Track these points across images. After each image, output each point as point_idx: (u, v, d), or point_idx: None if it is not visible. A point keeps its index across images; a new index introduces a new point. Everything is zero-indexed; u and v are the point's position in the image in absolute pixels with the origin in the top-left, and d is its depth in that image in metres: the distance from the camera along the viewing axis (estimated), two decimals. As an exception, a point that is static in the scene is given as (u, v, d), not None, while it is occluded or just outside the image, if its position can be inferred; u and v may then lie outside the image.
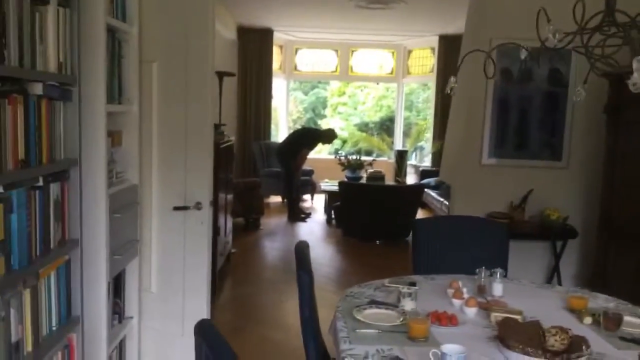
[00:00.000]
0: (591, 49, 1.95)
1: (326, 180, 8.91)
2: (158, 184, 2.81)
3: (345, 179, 8.35)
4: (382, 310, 2.27)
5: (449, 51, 9.49)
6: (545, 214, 4.59)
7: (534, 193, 4.70)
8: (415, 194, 7.13)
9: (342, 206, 7.21)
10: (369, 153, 11.15)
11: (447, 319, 2.16)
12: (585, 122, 4.70)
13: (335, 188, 7.79)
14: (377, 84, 13.14)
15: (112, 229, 2.41)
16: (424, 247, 2.93)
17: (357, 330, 2.06)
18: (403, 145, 10.80)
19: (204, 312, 2.89)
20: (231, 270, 5.58)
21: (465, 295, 2.35)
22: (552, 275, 4.80)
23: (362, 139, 11.74)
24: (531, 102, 4.72)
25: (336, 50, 10.81)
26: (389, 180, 9.45)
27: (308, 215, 8.49)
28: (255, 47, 9.58)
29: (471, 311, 2.28)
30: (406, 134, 11.20)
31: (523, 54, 2.27)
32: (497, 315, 2.20)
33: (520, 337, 1.94)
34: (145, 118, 2.78)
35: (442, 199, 8.11)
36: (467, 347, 1.92)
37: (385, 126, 12.65)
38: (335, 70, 10.95)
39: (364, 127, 13.38)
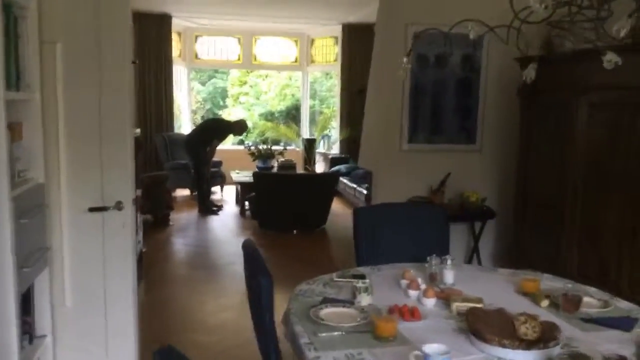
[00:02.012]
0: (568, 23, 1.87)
1: (236, 170, 8.61)
2: (69, 182, 2.44)
3: (257, 169, 8.11)
4: (339, 309, 2.10)
5: (353, 40, 9.51)
6: (465, 196, 4.67)
7: (452, 176, 4.76)
8: (330, 182, 7.05)
9: (257, 197, 6.97)
10: (276, 142, 10.94)
11: (409, 313, 2.04)
12: (497, 106, 4.83)
13: (248, 179, 7.53)
14: (279, 72, 12.94)
15: (18, 237, 2.04)
16: (366, 237, 2.80)
17: (319, 334, 1.88)
18: (310, 134, 10.72)
19: (130, 326, 2.58)
20: (144, 271, 5.15)
21: (422, 286, 2.25)
22: (472, 255, 4.91)
23: (269, 128, 11.51)
24: (446, 87, 4.77)
25: (238, 38, 10.45)
26: (299, 169, 9.33)
27: (220, 207, 8.16)
28: (152, 33, 9.00)
29: (430, 302, 2.18)
30: (312, 123, 11.12)
31: (473, 34, 2.18)
32: (458, 305, 2.11)
33: (491, 328, 1.86)
34: (50, 108, 2.39)
35: (354, 185, 8.12)
36: (436, 342, 1.81)
37: (291, 115, 12.50)
38: (238, 59, 10.59)
39: (269, 116, 13.14)
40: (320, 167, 10.00)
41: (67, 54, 2.39)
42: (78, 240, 2.46)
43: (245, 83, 14.49)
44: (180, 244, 6.42)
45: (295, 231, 6.82)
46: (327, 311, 2.07)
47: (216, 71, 13.75)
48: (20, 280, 2.08)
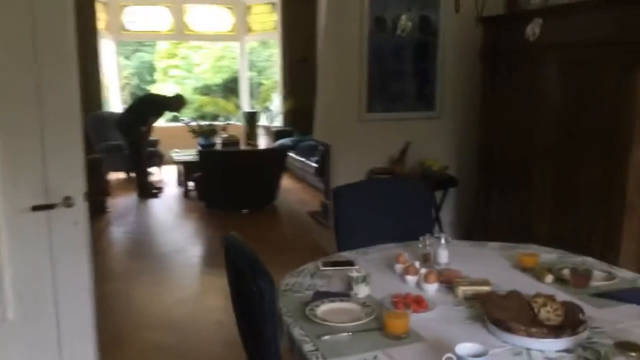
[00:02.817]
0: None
1: (175, 150, 8.13)
2: (4, 177, 2.04)
3: (199, 147, 7.68)
4: (337, 304, 1.87)
5: (292, 5, 9.12)
6: (426, 165, 4.54)
7: (413, 145, 4.62)
8: (279, 157, 6.76)
9: (203, 177, 6.59)
10: (214, 118, 10.46)
11: (415, 303, 1.84)
12: (456, 70, 4.68)
13: (192, 158, 7.13)
14: (213, 43, 12.34)
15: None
16: (347, 218, 2.58)
17: (323, 338, 1.65)
18: (251, 107, 10.31)
19: (88, 337, 2.25)
20: (87, 266, 4.73)
21: (422, 270, 2.05)
22: (433, 225, 4.80)
23: (206, 103, 10.97)
24: (404, 51, 4.56)
25: (169, 7, 9.81)
26: (242, 145, 8.96)
27: (160, 190, 7.70)
28: (75, 4, 8.23)
29: (432, 288, 2.00)
30: (252, 96, 10.70)
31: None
32: (465, 290, 1.94)
33: (509, 314, 1.70)
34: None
35: (302, 159, 7.89)
36: (450, 334, 1.64)
37: (229, 88, 11.97)
38: (170, 30, 9.96)
39: (205, 90, 12.54)
40: (263, 142, 9.66)
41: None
42: (20, 244, 2.08)
43: (175, 56, 13.75)
44: (121, 233, 5.97)
45: (245, 210, 6.52)
46: (324, 308, 1.84)
47: (141, 44, 12.97)
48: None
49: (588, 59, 3.25)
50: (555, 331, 1.58)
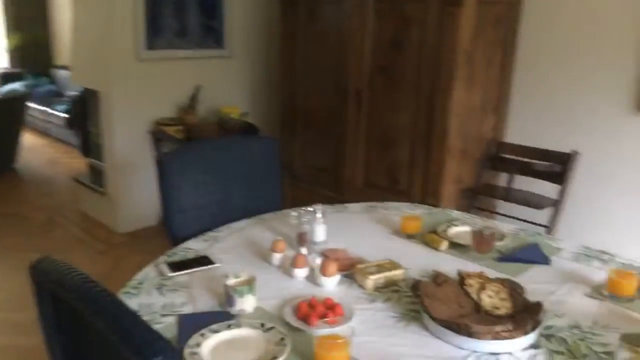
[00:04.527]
0: None
1: None
2: None
3: None
4: (226, 333, 1.28)
5: None
6: (223, 112, 3.96)
7: (204, 89, 3.98)
8: (15, 108, 5.31)
9: None
10: None
11: (330, 312, 1.36)
12: (248, 1, 4.11)
13: None
14: None
15: None
16: (179, 193, 1.91)
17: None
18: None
19: None
20: None
21: (318, 260, 1.57)
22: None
23: None
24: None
25: None
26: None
27: None
28: None
29: (332, 281, 1.54)
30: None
31: None
32: (375, 279, 1.53)
33: (453, 309, 1.36)
34: None
35: (46, 109, 6.47)
36: (394, 351, 1.24)
37: None
38: None
39: None
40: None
41: None
42: None
43: None
44: None
45: (-25, 177, 5.04)
46: (210, 345, 1.24)
47: None
48: None
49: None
50: (520, 325, 1.28)
